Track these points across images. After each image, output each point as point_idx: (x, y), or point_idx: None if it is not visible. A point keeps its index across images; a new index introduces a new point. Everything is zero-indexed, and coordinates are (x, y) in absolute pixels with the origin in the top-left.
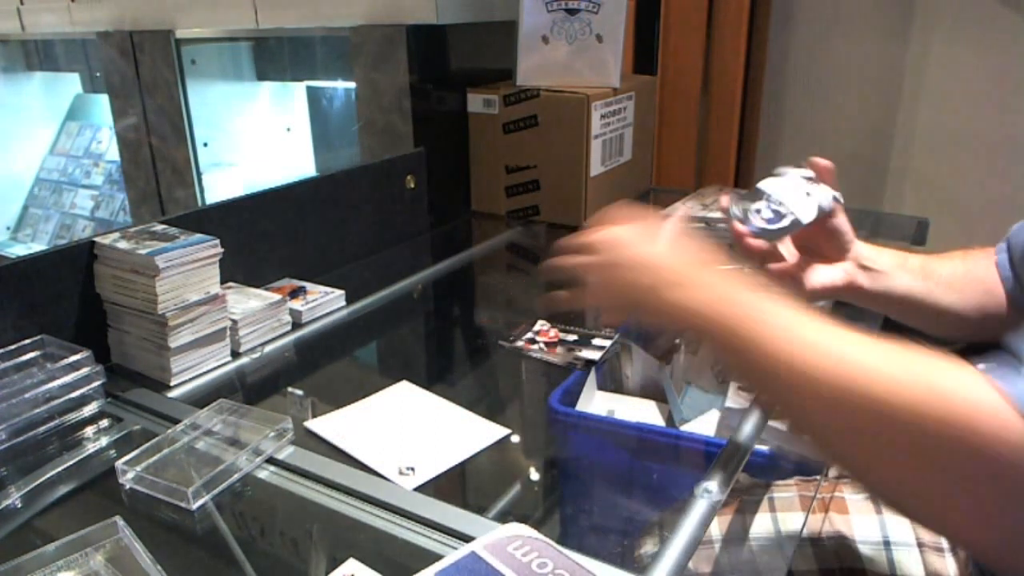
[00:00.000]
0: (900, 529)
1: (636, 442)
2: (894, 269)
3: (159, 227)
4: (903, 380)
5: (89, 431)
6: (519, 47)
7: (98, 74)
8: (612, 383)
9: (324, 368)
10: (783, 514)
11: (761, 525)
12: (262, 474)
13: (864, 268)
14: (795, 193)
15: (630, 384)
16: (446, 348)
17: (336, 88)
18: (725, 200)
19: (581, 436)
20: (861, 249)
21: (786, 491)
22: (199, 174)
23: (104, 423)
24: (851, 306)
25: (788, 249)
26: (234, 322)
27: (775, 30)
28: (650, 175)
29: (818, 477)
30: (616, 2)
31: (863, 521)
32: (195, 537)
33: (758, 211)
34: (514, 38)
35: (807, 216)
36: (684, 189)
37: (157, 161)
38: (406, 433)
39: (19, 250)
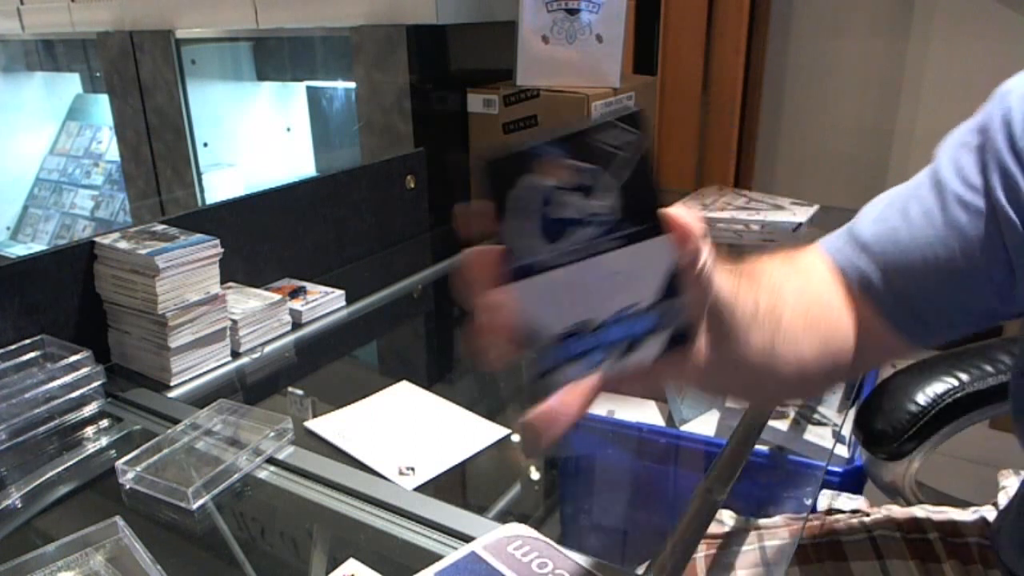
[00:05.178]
0: (904, 574)
1: (636, 442)
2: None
3: (159, 227)
4: None
5: (89, 431)
6: (519, 47)
7: (98, 74)
8: None
9: (324, 368)
10: (776, 567)
11: None
12: (262, 474)
13: None
14: None
15: None
16: (446, 348)
17: (336, 88)
18: None
19: (581, 436)
20: None
21: (776, 537)
22: (199, 174)
23: (104, 423)
24: None
25: None
26: (234, 322)
27: (775, 30)
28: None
29: (805, 514)
30: (616, 2)
31: (863, 568)
32: (195, 537)
33: None
34: (514, 38)
35: None
36: (684, 189)
37: (157, 161)
38: (406, 433)
39: (19, 250)
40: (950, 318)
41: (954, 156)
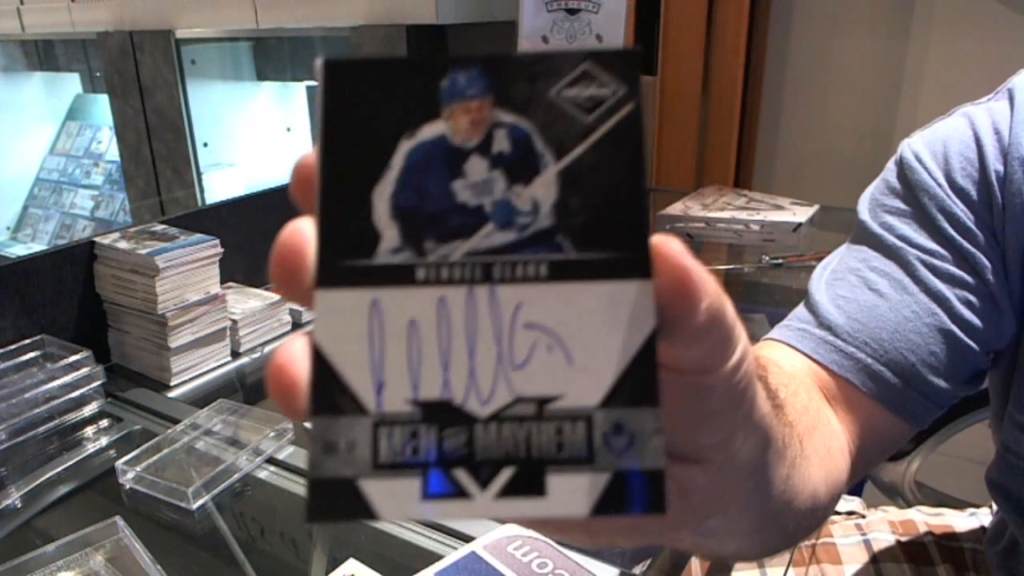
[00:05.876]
0: None
1: None
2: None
3: (159, 227)
4: None
5: (89, 431)
6: (519, 47)
7: (98, 74)
8: None
9: None
10: (772, 570)
11: None
12: (262, 474)
13: None
14: None
15: None
16: None
17: None
18: None
19: None
20: None
21: None
22: (199, 174)
23: (104, 423)
24: None
25: None
26: (234, 322)
27: (775, 30)
28: (650, 175)
29: None
30: (616, 2)
31: (858, 571)
32: (195, 537)
33: None
34: (514, 38)
35: None
36: (684, 189)
37: (157, 161)
38: None
39: (19, 250)
40: (952, 388)
41: (891, 225)
